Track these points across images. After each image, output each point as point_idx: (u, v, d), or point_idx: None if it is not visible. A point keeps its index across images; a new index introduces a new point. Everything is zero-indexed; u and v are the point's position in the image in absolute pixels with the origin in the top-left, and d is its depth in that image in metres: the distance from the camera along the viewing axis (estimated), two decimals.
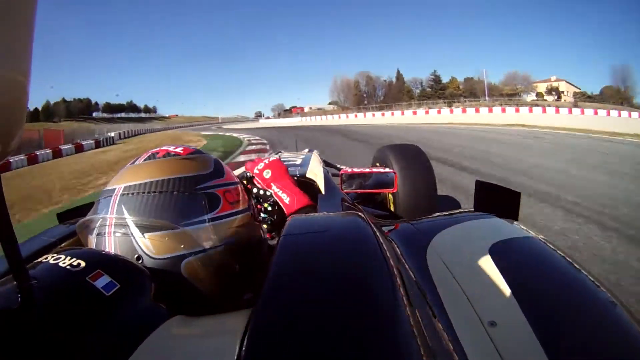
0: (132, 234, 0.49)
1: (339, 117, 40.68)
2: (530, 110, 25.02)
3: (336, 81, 63.36)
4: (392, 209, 2.03)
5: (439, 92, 56.40)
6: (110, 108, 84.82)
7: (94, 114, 78.73)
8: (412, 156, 2.14)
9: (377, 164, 2.25)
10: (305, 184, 1.19)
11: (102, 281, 0.39)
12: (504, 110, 26.33)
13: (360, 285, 0.36)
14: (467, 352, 0.40)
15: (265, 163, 0.92)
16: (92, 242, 0.52)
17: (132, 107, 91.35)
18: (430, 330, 0.38)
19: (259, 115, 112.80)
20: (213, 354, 0.35)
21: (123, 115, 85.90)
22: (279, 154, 2.00)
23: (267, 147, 10.84)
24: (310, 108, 71.53)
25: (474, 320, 0.45)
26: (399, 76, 60.36)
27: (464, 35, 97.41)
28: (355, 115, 39.23)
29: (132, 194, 0.51)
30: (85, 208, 0.60)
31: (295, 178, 1.17)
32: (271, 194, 0.92)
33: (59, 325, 0.34)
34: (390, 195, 2.05)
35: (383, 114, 36.40)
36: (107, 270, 0.40)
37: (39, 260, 0.42)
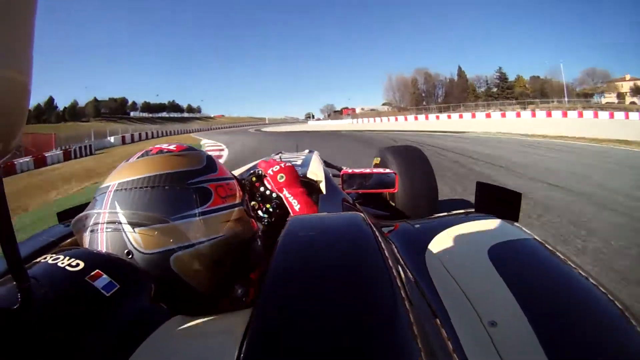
0: (123, 229, 0.50)
1: (396, 119, 37.21)
2: None
3: (391, 79, 59.33)
4: (392, 209, 2.04)
5: (506, 91, 49.92)
6: (148, 108, 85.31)
7: (132, 114, 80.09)
8: (412, 158, 2.19)
9: (378, 163, 2.32)
10: (306, 184, 1.18)
11: (101, 281, 0.39)
12: (612, 115, 20.42)
13: (360, 286, 0.36)
14: (467, 351, 0.40)
15: (280, 167, 0.96)
16: (86, 239, 0.53)
17: (173, 107, 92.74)
18: (430, 330, 0.39)
19: (308, 117, 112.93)
20: (213, 354, 0.35)
21: (164, 114, 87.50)
22: (279, 154, 2.10)
23: None
24: (362, 109, 68.71)
25: (474, 320, 0.45)
26: (461, 73, 54.44)
27: (531, 27, 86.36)
28: (416, 118, 35.38)
29: (125, 189, 0.52)
30: (85, 207, 0.58)
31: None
32: (277, 196, 0.97)
33: (59, 325, 0.34)
34: (391, 196, 2.07)
35: (449, 116, 32.43)
36: (106, 271, 0.40)
37: (38, 260, 0.42)
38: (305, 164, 1.61)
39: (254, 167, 1.29)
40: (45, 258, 0.42)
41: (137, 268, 0.46)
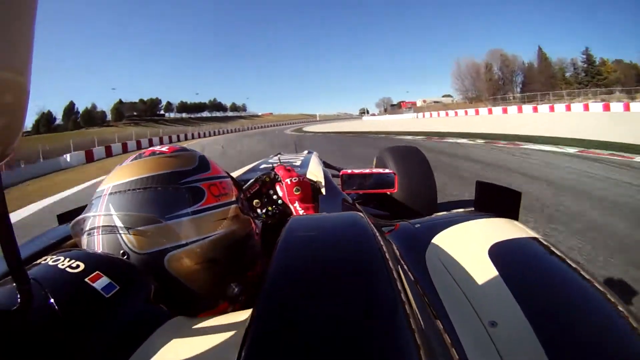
0: (117, 231, 0.50)
1: (465, 113, 31.88)
2: None
3: (459, 65, 51.76)
4: (392, 209, 2.05)
5: (596, 77, 39.94)
6: (185, 108, 79.98)
7: (168, 115, 75.70)
8: (411, 158, 2.20)
9: (378, 165, 2.33)
10: (284, 169, 1.23)
11: (101, 283, 0.39)
12: None
13: (360, 286, 0.36)
14: (468, 352, 0.40)
15: (299, 180, 1.02)
16: (84, 242, 0.54)
17: (215, 106, 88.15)
18: (431, 330, 0.39)
19: (363, 112, 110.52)
20: (213, 355, 0.35)
21: (205, 114, 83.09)
22: (279, 155, 2.11)
23: None
24: (424, 101, 63.20)
25: (474, 320, 0.45)
26: (543, 56, 45.32)
27: None
28: (490, 111, 29.34)
29: (119, 192, 0.53)
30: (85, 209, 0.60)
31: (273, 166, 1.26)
32: (282, 203, 1.04)
33: (58, 326, 0.34)
34: (391, 195, 2.09)
35: (535, 109, 25.02)
36: (106, 272, 0.41)
37: (38, 261, 0.42)
38: (305, 164, 1.72)
39: (267, 169, 1.36)
40: (45, 259, 0.42)
41: (138, 269, 0.46)
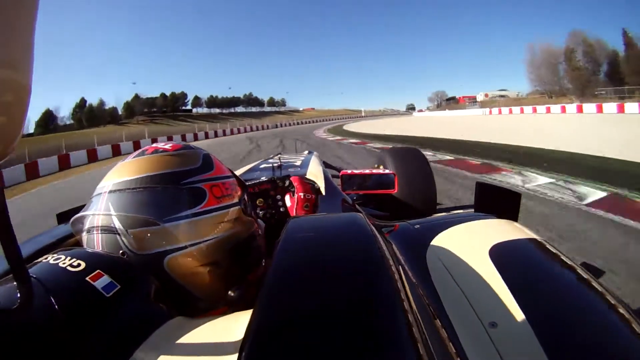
0: (116, 231, 0.50)
1: (547, 110, 25.83)
2: None
3: (533, 50, 44.12)
4: (392, 210, 2.06)
5: None
6: (215, 102, 71.94)
7: (196, 110, 68.45)
8: (411, 159, 2.22)
9: (379, 166, 2.32)
10: (300, 182, 1.23)
11: (102, 282, 0.39)
12: None
13: (360, 286, 0.36)
14: (468, 353, 0.40)
15: (312, 196, 1.04)
16: (84, 239, 0.54)
17: (251, 101, 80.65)
18: (431, 331, 0.39)
19: (411, 108, 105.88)
20: (213, 355, 0.35)
21: (240, 109, 76.04)
22: (279, 155, 2.10)
23: None
24: (486, 95, 56.39)
25: (474, 321, 0.45)
26: (629, 41, 36.69)
27: None
28: (579, 108, 22.72)
29: (119, 190, 0.52)
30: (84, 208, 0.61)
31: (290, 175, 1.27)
32: (285, 211, 1.10)
33: (58, 325, 0.34)
34: (391, 196, 2.08)
35: None
36: (107, 271, 0.41)
37: (39, 260, 0.43)
38: (305, 165, 1.71)
39: (267, 168, 1.51)
40: (46, 258, 0.42)
41: (138, 269, 0.46)
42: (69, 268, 0.40)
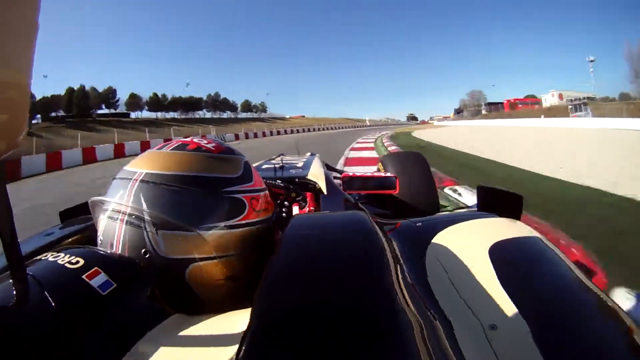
0: (145, 227, 0.47)
1: None
2: None
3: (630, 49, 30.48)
4: (393, 208, 1.97)
5: None
6: (158, 104, 49.55)
7: (135, 115, 46.97)
8: (413, 163, 2.19)
9: (380, 169, 2.27)
10: (307, 185, 1.25)
11: (98, 280, 0.39)
12: None
13: (362, 285, 0.37)
14: (467, 355, 0.40)
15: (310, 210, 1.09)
16: (102, 222, 0.51)
17: (219, 104, 59.59)
18: (430, 332, 0.39)
19: (412, 118, 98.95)
20: (212, 353, 0.35)
21: (199, 115, 54.65)
22: (281, 156, 2.07)
23: None
24: (561, 98, 40.81)
25: (473, 323, 0.45)
26: None
27: None
28: None
29: (154, 183, 0.48)
30: (87, 206, 0.57)
31: (297, 180, 1.28)
32: (286, 217, 1.09)
33: (54, 322, 0.34)
34: (392, 199, 2.01)
35: None
36: (105, 269, 0.41)
37: (39, 257, 0.43)
38: (306, 166, 1.63)
39: (269, 169, 1.48)
40: (46, 256, 0.42)
41: (137, 267, 0.46)
42: (66, 265, 0.40)
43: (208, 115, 58.37)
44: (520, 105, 44.65)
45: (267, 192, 0.58)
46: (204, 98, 58.20)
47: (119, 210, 0.48)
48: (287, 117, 77.60)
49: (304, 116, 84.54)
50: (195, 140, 0.57)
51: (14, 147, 0.25)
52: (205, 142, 0.57)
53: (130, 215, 0.48)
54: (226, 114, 61.67)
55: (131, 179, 0.49)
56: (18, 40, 0.22)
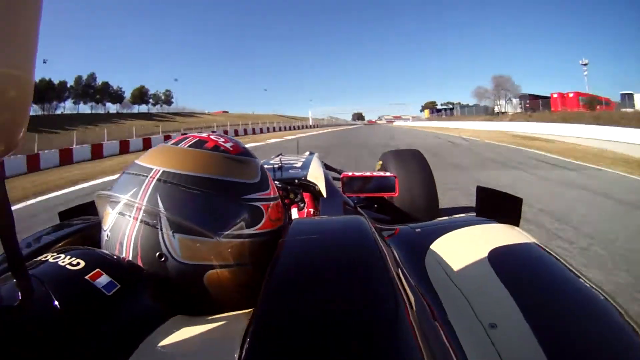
0: (161, 229, 0.45)
1: None
2: None
3: None
4: (392, 213, 2.03)
5: None
6: None
7: None
8: (412, 161, 2.21)
9: (379, 168, 2.30)
10: (306, 187, 1.25)
11: (102, 281, 0.39)
12: None
13: (361, 288, 0.37)
14: (468, 354, 0.41)
15: (314, 214, 1.11)
16: (110, 218, 0.49)
17: (90, 92, 40.85)
18: (431, 333, 0.39)
19: (359, 118, 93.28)
20: (214, 354, 0.35)
21: (62, 108, 38.48)
22: (279, 156, 2.07)
23: None
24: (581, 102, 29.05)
25: (474, 322, 0.46)
26: None
27: None
28: None
29: (172, 183, 0.47)
30: (87, 207, 0.56)
31: (297, 181, 1.28)
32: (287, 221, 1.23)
33: (58, 324, 0.34)
34: (392, 199, 2.06)
35: None
36: (106, 270, 0.40)
37: (39, 258, 0.42)
38: (306, 166, 1.63)
39: (269, 170, 1.35)
40: (46, 257, 0.42)
41: (138, 268, 0.45)
42: (68, 266, 0.39)
43: (85, 108, 40.88)
44: (597, 106, 28.37)
45: (279, 200, 0.58)
46: (71, 84, 39.88)
47: (132, 207, 0.47)
48: (207, 112, 60.02)
49: (227, 112, 67.22)
50: (212, 137, 0.56)
51: (14, 147, 0.24)
52: (223, 140, 0.56)
53: (145, 214, 0.46)
54: (114, 108, 43.78)
55: (147, 176, 0.48)
56: (20, 36, 0.22)
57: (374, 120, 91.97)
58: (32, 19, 0.22)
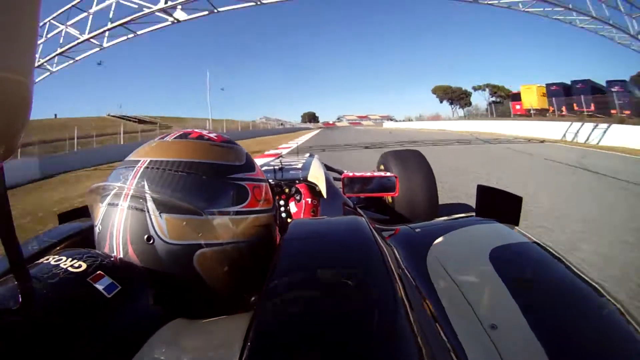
0: (147, 211, 0.46)
1: None
2: None
3: None
4: (393, 213, 2.06)
5: None
6: None
7: None
8: (413, 161, 2.21)
9: (381, 168, 2.32)
10: (307, 188, 1.26)
11: (103, 283, 0.39)
12: None
13: (361, 290, 0.37)
14: (469, 355, 0.41)
15: (317, 201, 1.14)
16: (101, 211, 0.49)
17: None
18: (432, 334, 0.40)
19: (311, 119, 68.19)
20: (214, 356, 0.35)
21: None
22: (280, 158, 2.00)
23: None
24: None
25: (474, 323, 0.46)
26: None
27: None
28: None
29: (158, 168, 0.48)
30: (86, 210, 0.58)
31: (297, 181, 1.28)
32: (287, 216, 1.16)
33: (60, 326, 0.34)
34: (392, 200, 2.08)
35: None
36: (108, 272, 0.40)
37: (40, 261, 0.42)
38: (306, 167, 1.63)
39: (269, 170, 1.47)
40: (47, 259, 0.42)
41: (139, 270, 0.45)
42: (70, 269, 0.39)
43: None
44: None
45: (267, 184, 0.59)
46: None
47: (119, 195, 0.47)
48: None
49: (56, 116, 45.69)
50: (197, 130, 0.57)
51: (14, 151, 0.24)
52: (207, 132, 0.58)
53: (132, 198, 0.46)
54: None
55: (134, 167, 0.49)
56: (19, 40, 0.22)
57: (332, 122, 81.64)
58: (31, 23, 0.22)
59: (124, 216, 0.46)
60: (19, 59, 0.22)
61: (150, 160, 0.49)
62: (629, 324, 0.45)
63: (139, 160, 0.49)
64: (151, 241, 0.45)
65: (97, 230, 0.49)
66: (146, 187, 0.46)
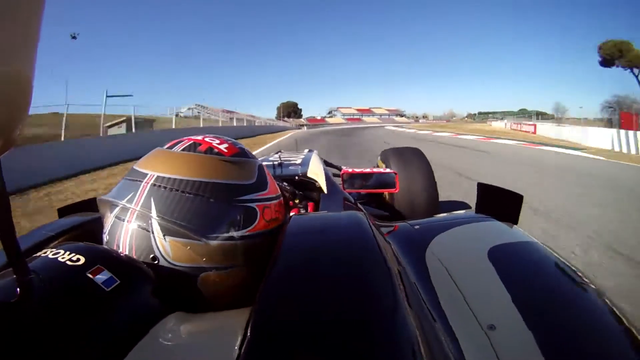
0: (152, 231, 0.46)
1: None
2: None
3: None
4: (392, 210, 2.05)
5: None
6: None
7: None
8: (413, 158, 2.21)
9: (381, 165, 2.32)
10: (307, 183, 1.26)
11: (102, 277, 0.39)
12: None
13: (360, 286, 0.37)
14: (466, 355, 0.41)
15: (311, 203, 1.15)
16: (109, 221, 0.50)
17: None
18: (429, 333, 0.40)
19: (290, 114, 56.10)
20: (213, 350, 0.35)
21: None
22: (279, 153, 2.04)
23: None
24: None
25: (472, 323, 0.45)
26: None
27: None
28: None
29: (165, 187, 0.48)
30: (86, 204, 0.58)
31: (297, 177, 1.28)
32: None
33: (58, 319, 0.34)
34: (392, 196, 2.08)
35: None
36: (107, 266, 0.40)
37: (38, 254, 0.42)
38: (305, 163, 1.62)
39: (269, 166, 1.41)
40: (45, 252, 0.42)
41: (138, 264, 0.45)
42: (68, 262, 0.39)
43: None
44: None
45: (281, 199, 0.57)
46: None
47: (126, 211, 0.48)
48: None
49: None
50: (207, 139, 0.55)
51: (13, 144, 0.24)
52: (217, 142, 0.55)
53: (138, 217, 0.47)
54: None
55: (142, 181, 0.49)
56: (22, 35, 0.22)
57: (320, 117, 69.07)
58: (33, 15, 0.22)
59: (130, 232, 0.47)
60: (20, 51, 0.22)
61: (157, 177, 0.48)
62: (626, 325, 0.45)
63: (147, 174, 0.49)
64: (156, 261, 0.46)
65: (104, 238, 0.50)
66: (152, 208, 0.46)
